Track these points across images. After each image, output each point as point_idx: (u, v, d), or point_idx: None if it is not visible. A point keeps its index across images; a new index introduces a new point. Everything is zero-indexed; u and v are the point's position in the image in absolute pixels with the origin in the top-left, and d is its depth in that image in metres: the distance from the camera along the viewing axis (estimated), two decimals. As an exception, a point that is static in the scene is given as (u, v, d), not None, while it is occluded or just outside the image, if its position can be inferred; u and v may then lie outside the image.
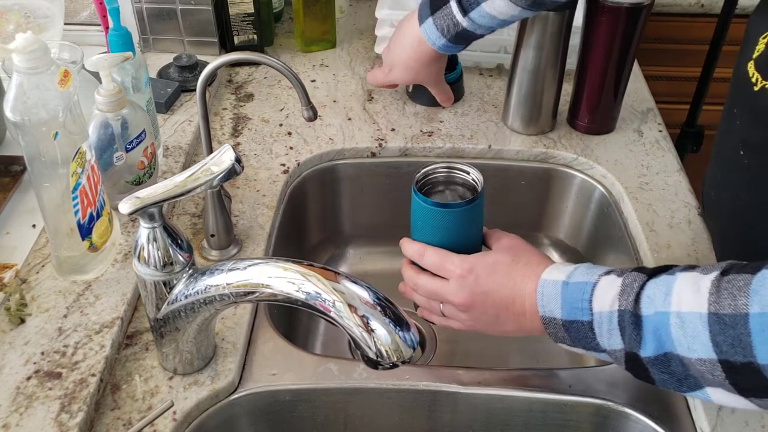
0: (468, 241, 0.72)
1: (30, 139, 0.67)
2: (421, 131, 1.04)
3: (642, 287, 0.58)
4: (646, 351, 0.57)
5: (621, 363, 0.60)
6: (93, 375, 0.69)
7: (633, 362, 0.59)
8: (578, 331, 0.62)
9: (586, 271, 0.63)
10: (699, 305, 0.54)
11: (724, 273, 0.54)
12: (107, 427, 0.67)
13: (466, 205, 0.70)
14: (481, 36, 0.88)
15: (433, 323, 0.75)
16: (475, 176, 0.72)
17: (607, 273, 0.62)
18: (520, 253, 0.69)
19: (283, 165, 0.98)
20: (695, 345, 0.54)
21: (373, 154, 1.02)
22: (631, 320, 0.57)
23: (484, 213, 0.72)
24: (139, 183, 0.85)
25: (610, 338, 0.60)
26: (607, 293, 0.60)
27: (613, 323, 0.59)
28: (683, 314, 0.55)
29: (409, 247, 0.73)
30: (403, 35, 0.91)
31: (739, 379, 0.53)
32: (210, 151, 0.81)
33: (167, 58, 1.11)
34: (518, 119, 1.02)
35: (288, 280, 0.57)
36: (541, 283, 0.65)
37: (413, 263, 0.73)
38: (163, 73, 1.10)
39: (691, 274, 0.57)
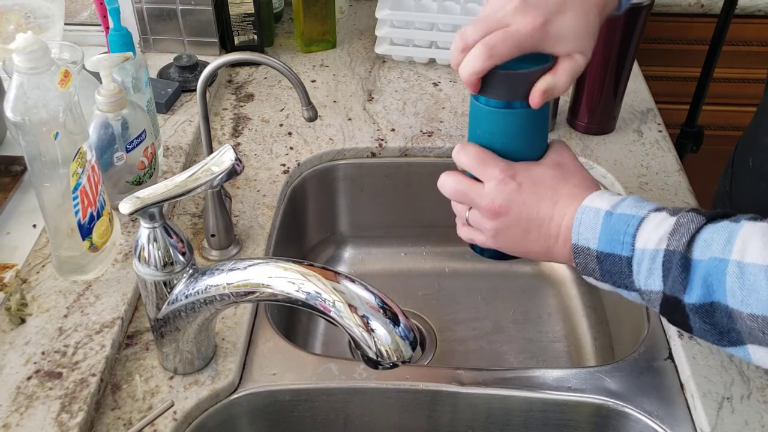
0: (530, 153, 0.65)
1: (30, 139, 0.67)
2: (421, 131, 1.04)
3: (699, 230, 0.54)
4: (691, 297, 0.53)
5: (654, 305, 0.57)
6: (93, 375, 0.69)
7: (671, 307, 0.55)
8: (613, 266, 0.58)
9: (635, 203, 0.59)
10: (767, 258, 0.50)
11: None
12: (108, 426, 0.67)
13: (528, 107, 0.62)
14: None
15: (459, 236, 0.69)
16: None
17: (658, 209, 0.57)
18: (572, 172, 0.63)
19: (284, 165, 0.98)
20: (751, 299, 0.50)
21: (373, 154, 1.02)
22: (680, 262, 0.53)
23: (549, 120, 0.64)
24: (139, 183, 0.85)
25: (649, 278, 0.56)
26: (656, 230, 0.56)
27: (656, 263, 0.55)
28: (745, 264, 0.50)
29: (455, 147, 0.65)
30: None
31: None
32: (210, 151, 0.81)
33: (167, 59, 1.11)
34: (518, 119, 1.02)
35: (288, 280, 0.57)
36: (582, 209, 0.60)
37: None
38: (163, 73, 1.10)
39: (760, 224, 0.53)
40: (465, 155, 0.64)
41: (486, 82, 0.62)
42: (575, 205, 0.61)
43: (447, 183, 0.66)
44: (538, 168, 0.63)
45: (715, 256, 0.52)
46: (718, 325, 0.53)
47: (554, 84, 0.61)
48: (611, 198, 0.60)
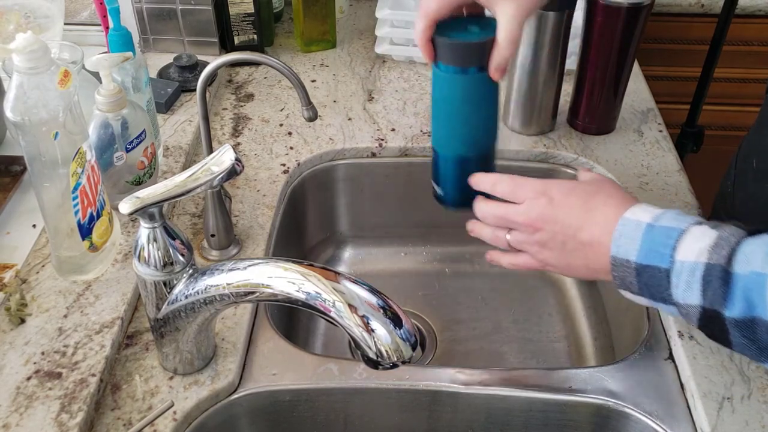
0: (483, 117, 0.73)
1: (30, 139, 0.67)
2: (421, 131, 1.04)
3: (739, 243, 0.54)
4: (732, 311, 0.54)
5: (692, 320, 0.57)
6: (93, 375, 0.69)
7: (710, 321, 0.55)
8: (651, 278, 0.58)
9: (676, 216, 0.59)
10: None
11: None
12: (107, 427, 0.67)
13: (478, 73, 0.69)
14: None
15: (501, 266, 0.72)
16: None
17: (699, 223, 0.58)
18: (603, 186, 0.66)
19: (284, 165, 0.98)
20: None
21: (373, 154, 1.02)
22: (720, 275, 0.54)
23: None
24: (139, 183, 0.85)
25: (687, 291, 0.56)
26: (695, 243, 0.56)
27: (695, 276, 0.55)
28: None
29: (481, 179, 0.70)
30: None
31: None
32: (210, 151, 0.81)
33: (167, 58, 1.11)
34: (518, 119, 1.02)
35: (288, 280, 0.57)
36: (623, 221, 0.60)
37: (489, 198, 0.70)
38: (163, 73, 1.10)
39: None
40: (500, 186, 0.68)
41: (439, 50, 0.69)
42: (609, 216, 0.62)
43: (485, 210, 0.69)
44: (570, 183, 0.67)
45: (755, 270, 0.53)
46: (759, 341, 0.53)
47: (501, 56, 0.66)
48: (653, 210, 0.61)
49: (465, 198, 0.74)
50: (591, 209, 0.63)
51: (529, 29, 0.94)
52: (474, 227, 0.72)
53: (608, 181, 0.68)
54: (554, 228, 0.64)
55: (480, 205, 0.70)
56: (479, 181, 0.71)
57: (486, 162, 0.76)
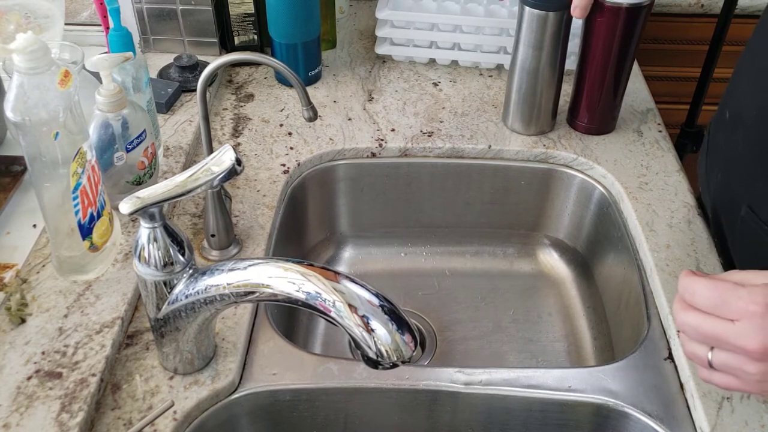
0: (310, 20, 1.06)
1: (30, 139, 0.67)
2: (421, 131, 1.04)
3: None
4: None
5: None
6: (93, 375, 0.69)
7: None
8: None
9: None
10: None
11: None
12: (108, 426, 0.67)
13: None
14: None
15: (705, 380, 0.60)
16: None
17: None
18: None
19: (284, 165, 0.98)
20: None
21: (373, 154, 1.02)
22: None
23: None
24: (139, 183, 0.85)
25: None
26: None
27: None
28: None
29: (681, 282, 0.56)
30: None
31: None
32: (210, 151, 0.81)
33: (168, 59, 1.11)
34: (518, 119, 1.02)
35: (288, 280, 0.57)
36: None
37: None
38: (163, 73, 1.10)
39: None
40: (699, 295, 0.55)
41: None
42: None
43: (687, 322, 0.56)
44: None
45: None
46: None
47: None
48: None
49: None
50: None
51: (529, 29, 0.94)
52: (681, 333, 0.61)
53: None
54: None
55: (680, 315, 0.56)
56: (681, 285, 0.57)
57: (311, 50, 1.09)
